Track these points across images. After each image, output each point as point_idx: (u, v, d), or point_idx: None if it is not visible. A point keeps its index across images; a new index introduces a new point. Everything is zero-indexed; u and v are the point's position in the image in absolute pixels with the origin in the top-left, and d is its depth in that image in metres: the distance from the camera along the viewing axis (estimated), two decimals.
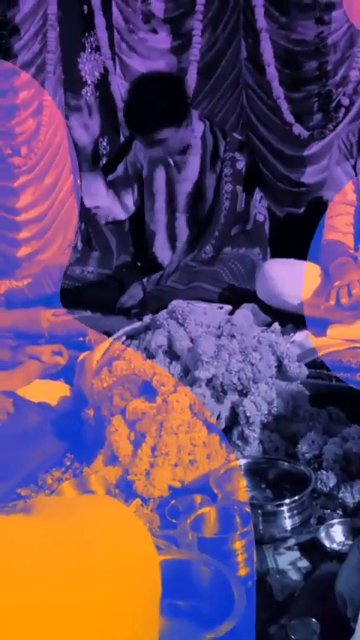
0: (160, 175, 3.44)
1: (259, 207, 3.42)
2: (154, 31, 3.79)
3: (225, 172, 3.36)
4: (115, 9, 3.87)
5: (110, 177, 3.50)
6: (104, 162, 3.74)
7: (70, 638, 0.79)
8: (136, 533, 0.97)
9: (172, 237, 3.50)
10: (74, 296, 3.35)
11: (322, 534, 1.66)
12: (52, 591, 0.79)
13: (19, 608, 0.75)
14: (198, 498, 1.81)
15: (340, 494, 1.81)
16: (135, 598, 0.89)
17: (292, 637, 1.31)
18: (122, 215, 3.55)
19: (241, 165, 3.37)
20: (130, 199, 3.53)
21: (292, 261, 2.89)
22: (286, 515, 1.74)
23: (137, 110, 3.19)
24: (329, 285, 2.67)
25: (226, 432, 2.08)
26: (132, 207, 3.55)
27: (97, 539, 0.88)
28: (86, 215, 3.91)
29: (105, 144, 3.98)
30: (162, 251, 3.52)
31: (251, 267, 3.25)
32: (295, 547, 1.68)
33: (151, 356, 2.32)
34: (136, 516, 1.37)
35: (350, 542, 1.64)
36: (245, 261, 3.32)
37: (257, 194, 3.43)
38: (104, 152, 3.94)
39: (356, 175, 2.94)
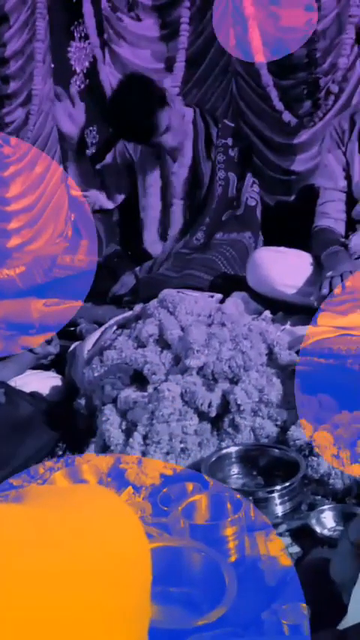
0: (153, 164, 3.44)
1: (251, 192, 3.42)
2: (141, 19, 3.77)
3: (218, 159, 3.36)
4: None
5: (99, 165, 3.50)
6: (93, 150, 3.73)
7: (60, 627, 0.79)
8: (126, 522, 0.97)
9: (165, 226, 3.49)
10: (65, 285, 3.35)
11: (313, 520, 1.68)
12: (42, 580, 0.79)
13: (8, 597, 0.76)
14: (190, 486, 1.82)
15: (331, 481, 1.82)
16: (125, 586, 0.89)
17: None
18: (109, 204, 3.54)
19: (233, 151, 3.37)
20: (118, 188, 3.53)
21: (282, 249, 2.89)
22: (277, 501, 1.76)
23: (125, 119, 3.19)
24: (320, 274, 2.67)
25: (218, 419, 2.09)
26: (120, 197, 3.54)
27: (86, 527, 0.88)
28: (75, 203, 3.90)
29: (95, 133, 3.96)
30: (154, 240, 3.51)
31: (244, 252, 3.23)
32: (287, 533, 1.70)
33: (142, 345, 2.32)
34: (126, 504, 1.37)
35: (341, 528, 1.65)
36: (237, 246, 3.31)
37: (249, 179, 3.42)
38: (94, 141, 3.93)
39: (347, 162, 2.94)
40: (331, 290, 2.54)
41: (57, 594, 0.81)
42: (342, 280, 2.54)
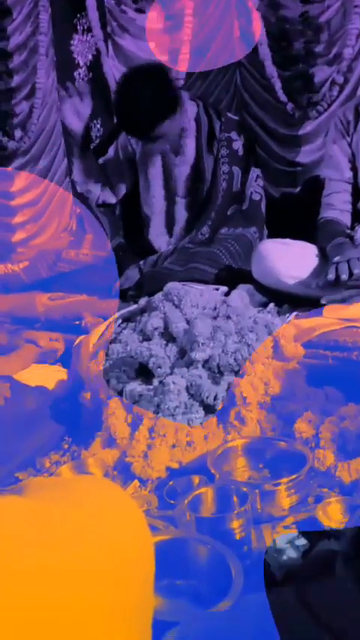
0: (156, 160, 3.43)
1: (255, 187, 3.41)
2: (144, 11, 3.75)
3: (221, 153, 3.35)
4: None
5: (101, 160, 3.49)
6: (96, 144, 3.72)
7: (63, 620, 0.79)
8: (128, 514, 0.97)
9: (169, 222, 3.48)
10: (70, 279, 3.35)
11: (320, 513, 1.67)
12: (44, 573, 0.79)
13: (9, 591, 0.76)
14: (196, 479, 1.82)
15: (337, 473, 1.82)
16: (128, 580, 0.89)
17: None
18: (112, 198, 3.54)
19: (237, 145, 3.36)
20: (120, 183, 3.52)
21: (287, 241, 2.88)
22: (284, 494, 1.75)
23: (130, 114, 3.17)
24: (326, 265, 2.67)
25: (223, 412, 2.09)
26: (122, 191, 3.54)
27: (88, 520, 0.88)
28: (79, 198, 3.89)
29: (99, 126, 3.95)
30: (158, 235, 3.51)
31: (248, 247, 3.23)
32: (293, 525, 1.69)
33: (147, 338, 2.32)
34: (129, 497, 1.37)
35: (347, 520, 1.65)
36: (242, 241, 3.30)
37: (253, 173, 3.41)
38: (97, 135, 3.92)
39: (353, 153, 2.93)
40: (337, 276, 2.53)
41: (59, 588, 0.81)
42: (349, 266, 2.54)
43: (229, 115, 3.43)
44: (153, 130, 3.17)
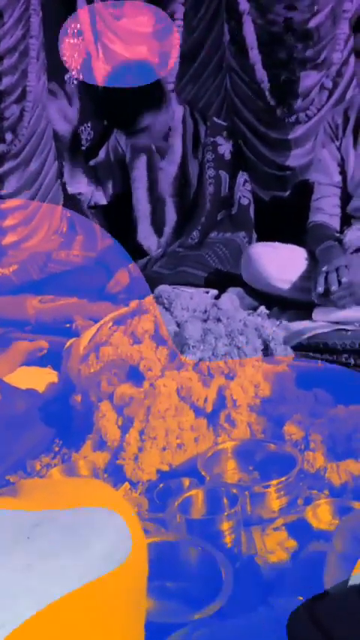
0: (143, 161, 3.43)
1: (243, 191, 3.42)
2: (135, 15, 3.77)
3: (207, 158, 3.36)
4: None
5: (92, 162, 3.50)
6: (86, 147, 3.72)
7: (56, 620, 0.79)
8: (122, 515, 0.97)
9: (159, 223, 3.49)
10: (61, 281, 3.35)
11: (309, 514, 1.68)
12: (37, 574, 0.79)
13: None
14: (186, 481, 1.83)
15: (327, 475, 1.83)
16: (121, 580, 0.90)
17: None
18: (103, 200, 3.55)
19: (222, 149, 3.36)
20: (111, 185, 3.53)
21: (277, 244, 2.90)
22: (274, 496, 1.76)
23: (114, 102, 3.17)
24: (315, 269, 2.68)
25: (214, 415, 2.09)
26: (114, 192, 3.54)
27: (81, 522, 0.89)
28: (70, 200, 3.90)
29: (89, 129, 3.96)
30: (148, 236, 3.51)
31: (237, 251, 3.25)
32: (283, 527, 1.70)
33: (137, 341, 2.32)
34: (122, 498, 1.37)
35: (337, 522, 1.65)
36: (231, 246, 3.32)
37: (241, 178, 3.42)
38: (88, 137, 3.92)
39: (342, 157, 2.94)
40: (327, 286, 2.54)
41: (52, 590, 0.81)
42: (338, 275, 2.55)
43: (215, 119, 3.44)
44: (136, 120, 3.16)
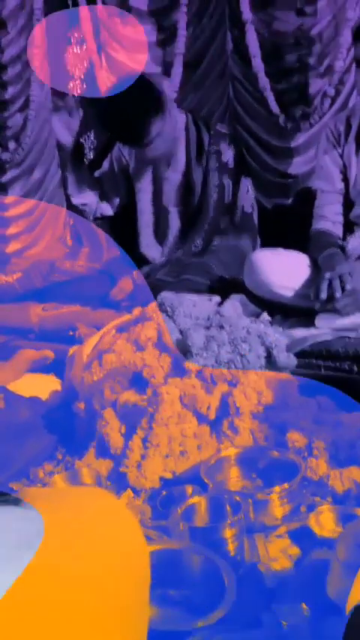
0: (148, 171, 3.44)
1: (247, 198, 3.43)
2: (139, 24, 3.78)
3: (210, 166, 3.36)
4: (99, 2, 3.86)
5: (97, 173, 3.51)
6: (90, 158, 3.74)
7: (59, 629, 0.79)
8: (125, 524, 0.97)
9: (162, 232, 3.50)
10: (64, 289, 3.36)
11: (313, 522, 1.68)
12: (40, 583, 0.79)
13: (6, 599, 0.76)
14: (189, 489, 1.82)
15: (330, 482, 1.83)
16: (124, 589, 0.90)
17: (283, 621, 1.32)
18: (109, 211, 3.56)
19: (226, 157, 3.37)
20: (116, 195, 3.54)
21: (280, 251, 2.90)
22: (277, 503, 1.76)
23: (118, 119, 3.18)
24: (318, 276, 2.68)
25: (216, 422, 2.09)
26: (118, 203, 3.55)
27: (85, 529, 0.89)
28: (74, 210, 3.91)
29: (92, 139, 3.97)
30: (150, 246, 3.52)
31: (240, 259, 3.25)
32: (286, 535, 1.70)
33: (140, 348, 2.32)
34: (126, 507, 1.37)
35: (340, 530, 1.65)
36: (234, 253, 3.32)
37: (244, 185, 3.43)
38: (92, 147, 3.94)
39: (344, 164, 2.95)
40: (330, 293, 2.55)
41: (55, 597, 0.81)
42: (341, 283, 2.55)
43: (218, 127, 3.45)
44: (142, 132, 3.17)
